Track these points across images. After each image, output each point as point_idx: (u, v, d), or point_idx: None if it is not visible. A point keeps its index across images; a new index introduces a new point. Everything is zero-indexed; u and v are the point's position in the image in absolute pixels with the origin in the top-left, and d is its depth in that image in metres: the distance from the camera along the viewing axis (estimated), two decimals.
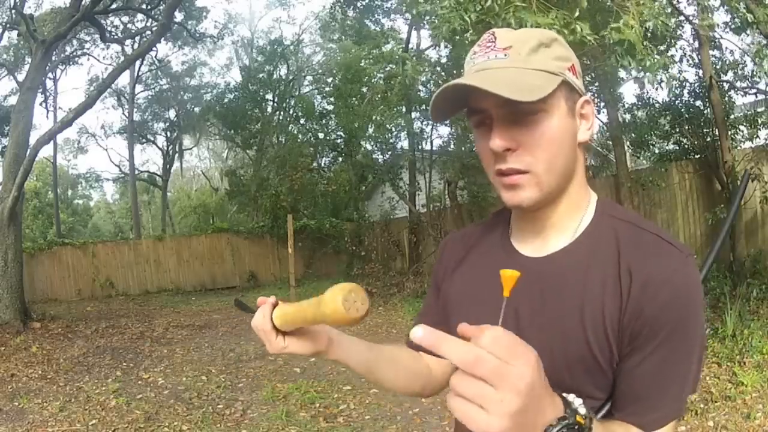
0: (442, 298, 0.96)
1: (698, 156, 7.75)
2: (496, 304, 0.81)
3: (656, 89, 7.87)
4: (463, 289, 0.90)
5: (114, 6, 12.62)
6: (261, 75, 20.10)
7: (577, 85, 0.78)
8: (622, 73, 8.78)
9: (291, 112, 19.28)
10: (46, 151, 19.45)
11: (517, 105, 0.70)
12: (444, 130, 12.08)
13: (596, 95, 8.88)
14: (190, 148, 31.12)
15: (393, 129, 11.76)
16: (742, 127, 7.69)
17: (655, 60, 4.15)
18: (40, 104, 18.32)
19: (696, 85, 7.85)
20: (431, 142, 12.37)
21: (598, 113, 9.10)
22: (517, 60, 0.74)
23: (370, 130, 13.19)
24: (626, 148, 8.61)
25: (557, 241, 0.81)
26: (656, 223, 7.87)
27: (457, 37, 4.53)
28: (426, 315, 1.01)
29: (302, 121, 17.31)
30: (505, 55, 0.75)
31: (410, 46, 12.44)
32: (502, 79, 0.72)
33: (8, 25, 13.98)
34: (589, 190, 0.84)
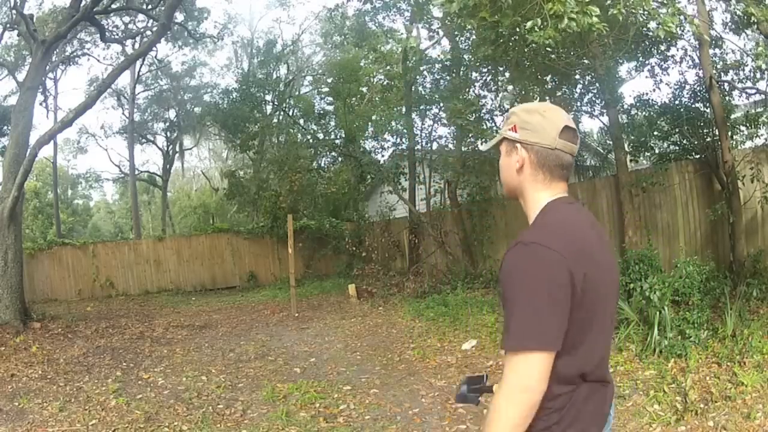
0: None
1: (698, 156, 7.72)
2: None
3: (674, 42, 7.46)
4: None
5: (114, 6, 12.62)
6: (260, 76, 20.07)
7: (515, 137, 1.33)
8: (623, 72, 8.81)
9: (290, 112, 19.26)
10: (46, 151, 19.52)
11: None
12: (443, 130, 12.02)
13: (596, 96, 8.88)
14: (190, 149, 31.18)
15: (392, 129, 11.74)
16: (742, 127, 7.67)
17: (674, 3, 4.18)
18: (40, 104, 18.40)
19: (696, 85, 7.83)
20: (431, 142, 12.35)
21: (599, 114, 9.11)
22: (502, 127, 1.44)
23: (370, 130, 13.17)
24: (626, 148, 8.57)
25: None
26: (656, 223, 7.88)
27: (468, 26, 4.50)
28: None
29: (301, 121, 17.27)
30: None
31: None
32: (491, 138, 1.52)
33: (8, 25, 13.98)
34: (536, 206, 1.32)
